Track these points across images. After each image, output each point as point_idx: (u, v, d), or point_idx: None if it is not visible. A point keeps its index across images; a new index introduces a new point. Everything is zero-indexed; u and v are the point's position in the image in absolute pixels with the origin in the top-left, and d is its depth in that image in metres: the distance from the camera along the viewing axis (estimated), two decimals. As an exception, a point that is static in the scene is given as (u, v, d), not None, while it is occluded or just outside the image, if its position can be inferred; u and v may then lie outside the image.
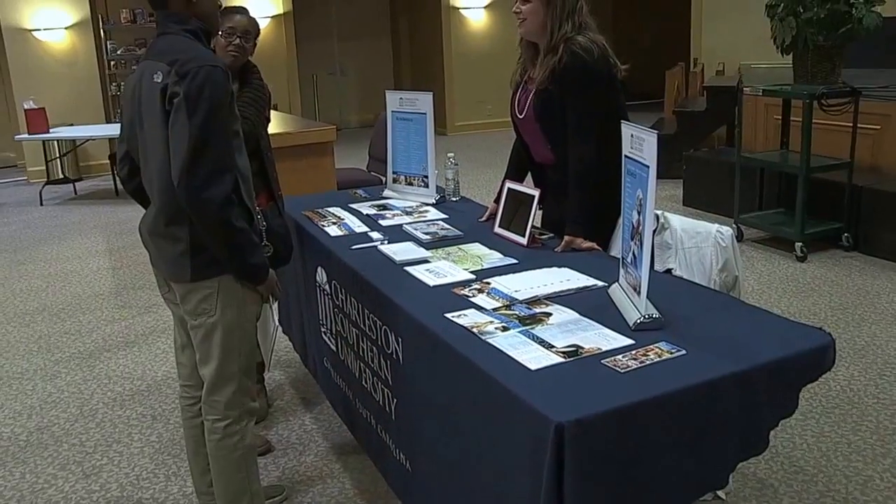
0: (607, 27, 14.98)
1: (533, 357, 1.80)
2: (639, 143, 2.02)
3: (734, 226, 5.93)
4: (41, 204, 8.83)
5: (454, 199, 3.56)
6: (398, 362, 2.36)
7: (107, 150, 9.99)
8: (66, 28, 10.19)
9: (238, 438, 2.34)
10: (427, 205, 3.47)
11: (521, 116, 2.93)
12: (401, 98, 3.58)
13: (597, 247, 2.68)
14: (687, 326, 1.96)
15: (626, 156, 2.14)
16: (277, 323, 2.42)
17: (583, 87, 2.69)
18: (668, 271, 2.60)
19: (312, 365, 3.53)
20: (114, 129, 9.41)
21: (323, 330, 3.21)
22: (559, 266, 2.49)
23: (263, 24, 11.47)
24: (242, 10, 3.16)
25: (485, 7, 12.72)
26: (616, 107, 2.77)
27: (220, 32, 3.01)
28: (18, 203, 9.12)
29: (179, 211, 2.14)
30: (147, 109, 2.16)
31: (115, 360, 4.25)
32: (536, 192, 2.81)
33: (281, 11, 11.65)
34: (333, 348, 3.10)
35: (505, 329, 1.99)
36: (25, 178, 10.38)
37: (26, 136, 8.80)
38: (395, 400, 2.45)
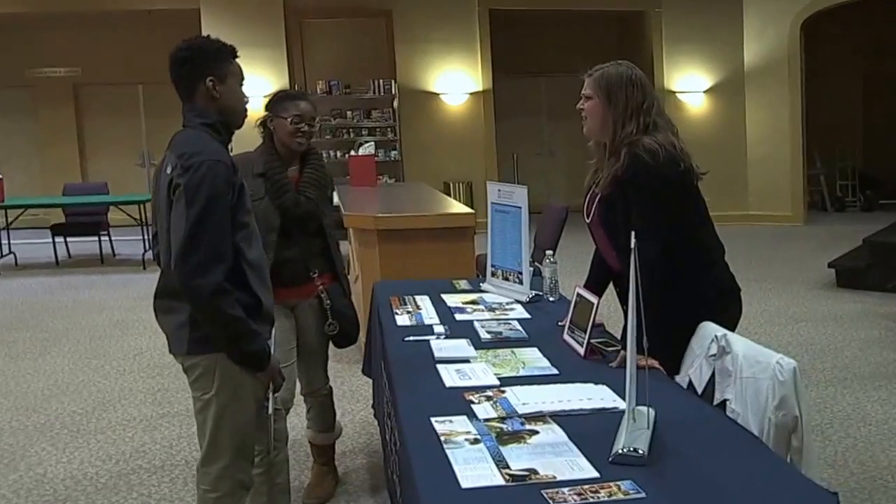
0: (857, 113, 14.38)
1: (474, 475, 1.81)
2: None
3: None
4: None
5: (551, 298, 3.59)
6: (400, 457, 2.44)
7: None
8: (265, 97, 11.26)
9: None
10: (518, 302, 3.53)
11: (587, 220, 2.95)
12: (499, 190, 3.68)
13: (657, 365, 2.61)
14: (675, 468, 1.88)
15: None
16: (272, 410, 2.67)
17: (643, 193, 2.68)
18: (724, 403, 2.49)
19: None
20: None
21: (384, 414, 3.34)
22: (600, 382, 2.47)
23: (462, 100, 12.10)
24: (305, 97, 3.46)
25: (705, 91, 12.67)
26: (688, 213, 2.75)
27: (286, 118, 3.30)
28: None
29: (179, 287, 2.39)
30: (159, 198, 2.46)
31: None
32: (595, 300, 2.80)
33: (480, 89, 12.22)
34: (387, 437, 3.21)
35: (475, 441, 2.01)
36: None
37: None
38: (401, 493, 2.52)
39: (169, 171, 2.39)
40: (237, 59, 2.57)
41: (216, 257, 2.32)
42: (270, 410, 2.54)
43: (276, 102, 3.38)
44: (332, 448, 3.78)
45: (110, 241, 10.27)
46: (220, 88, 2.48)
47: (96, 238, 10.09)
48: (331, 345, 3.63)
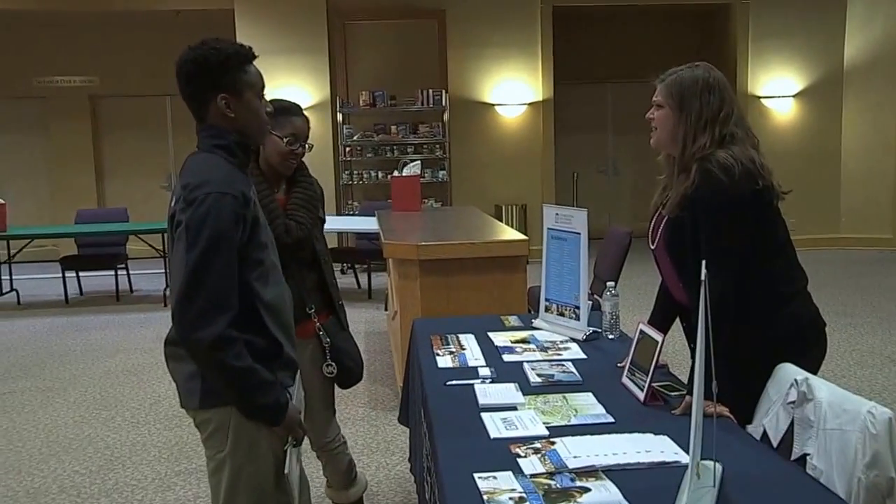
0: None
1: (517, 538, 1.85)
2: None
3: None
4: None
5: (610, 336, 3.60)
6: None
7: (334, 243, 10.92)
8: (305, 109, 11.33)
9: None
10: (574, 340, 3.56)
11: (652, 246, 2.97)
12: (556, 214, 3.71)
13: (726, 413, 2.61)
14: (744, 532, 1.90)
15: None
16: (289, 469, 2.70)
17: (716, 214, 2.69)
18: (804, 458, 2.48)
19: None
20: (345, 223, 10.37)
21: (424, 468, 3.38)
22: (660, 433, 2.48)
23: (518, 111, 12.17)
24: (300, 111, 3.48)
25: (794, 96, 12.62)
26: (766, 239, 2.77)
27: (280, 136, 3.32)
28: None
29: None
30: (169, 231, 2.47)
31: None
32: (660, 338, 2.82)
33: (540, 99, 12.29)
34: (426, 496, 3.24)
35: (521, 501, 2.04)
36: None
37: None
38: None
39: (174, 203, 2.40)
40: (254, 63, 2.53)
41: (218, 307, 2.30)
42: (287, 470, 2.55)
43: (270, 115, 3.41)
44: None
45: (128, 275, 10.41)
46: (236, 105, 2.46)
47: (112, 272, 10.17)
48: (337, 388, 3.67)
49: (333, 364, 3.47)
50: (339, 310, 3.57)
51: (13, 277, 10.03)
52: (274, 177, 3.45)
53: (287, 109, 3.39)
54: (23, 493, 4.63)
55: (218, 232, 2.31)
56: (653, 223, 3.00)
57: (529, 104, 12.28)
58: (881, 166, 12.33)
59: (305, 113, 3.57)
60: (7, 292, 9.90)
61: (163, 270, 9.93)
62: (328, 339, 3.47)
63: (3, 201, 9.87)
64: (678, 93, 2.80)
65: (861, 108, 12.45)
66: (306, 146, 3.45)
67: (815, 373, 2.68)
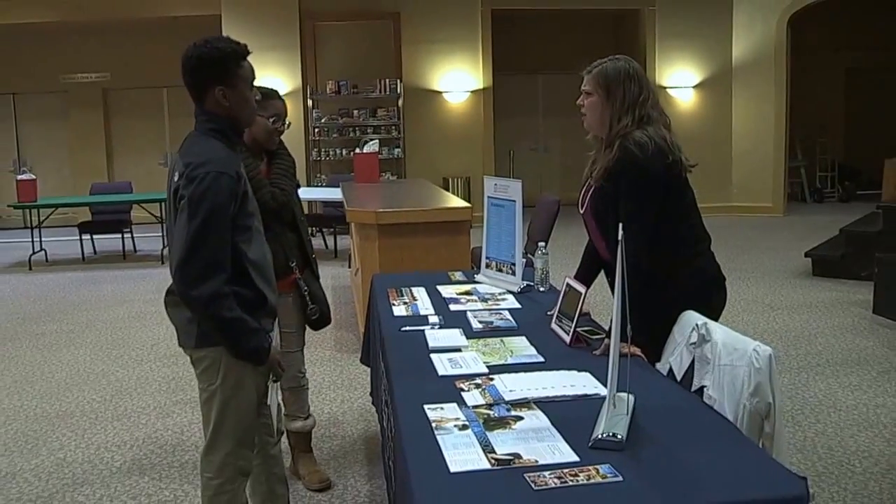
0: (838, 107, 14.23)
1: (462, 459, 1.81)
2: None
3: None
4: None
5: (542, 289, 3.57)
6: (395, 444, 2.43)
7: (306, 210, 10.79)
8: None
9: (228, 497, 2.53)
10: (510, 292, 3.52)
11: (581, 211, 2.94)
12: (495, 184, 3.66)
13: (639, 353, 2.60)
14: (651, 453, 1.87)
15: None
16: (278, 402, 2.68)
17: (632, 185, 2.66)
18: (702, 389, 2.47)
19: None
20: (314, 193, 10.27)
21: (382, 401, 3.33)
22: (583, 370, 2.45)
23: (462, 97, 12.06)
24: (279, 95, 3.41)
25: (694, 87, 12.61)
26: (676, 206, 2.73)
27: (266, 117, 3.24)
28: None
29: None
30: (169, 201, 2.44)
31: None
32: (583, 289, 2.79)
33: (481, 87, 12.17)
34: (384, 424, 3.20)
35: (464, 428, 2.01)
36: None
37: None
38: (395, 479, 2.52)
39: (176, 178, 2.36)
40: (248, 58, 2.48)
41: (213, 269, 2.30)
42: (269, 400, 2.53)
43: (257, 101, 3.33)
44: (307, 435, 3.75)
45: (132, 237, 10.35)
46: (230, 95, 2.42)
47: (120, 235, 10.18)
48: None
49: (316, 307, 3.42)
50: (313, 262, 3.51)
51: (42, 239, 10.01)
52: (257, 151, 3.37)
53: (269, 94, 3.34)
54: (54, 415, 4.67)
55: (215, 206, 2.30)
56: (582, 191, 2.96)
57: (472, 91, 12.16)
58: (763, 147, 12.42)
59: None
60: (38, 252, 9.89)
61: (160, 234, 9.86)
62: (307, 288, 3.40)
63: (34, 177, 9.96)
64: (605, 82, 2.75)
65: (746, 99, 12.52)
66: (286, 124, 3.38)
67: (717, 319, 2.66)
